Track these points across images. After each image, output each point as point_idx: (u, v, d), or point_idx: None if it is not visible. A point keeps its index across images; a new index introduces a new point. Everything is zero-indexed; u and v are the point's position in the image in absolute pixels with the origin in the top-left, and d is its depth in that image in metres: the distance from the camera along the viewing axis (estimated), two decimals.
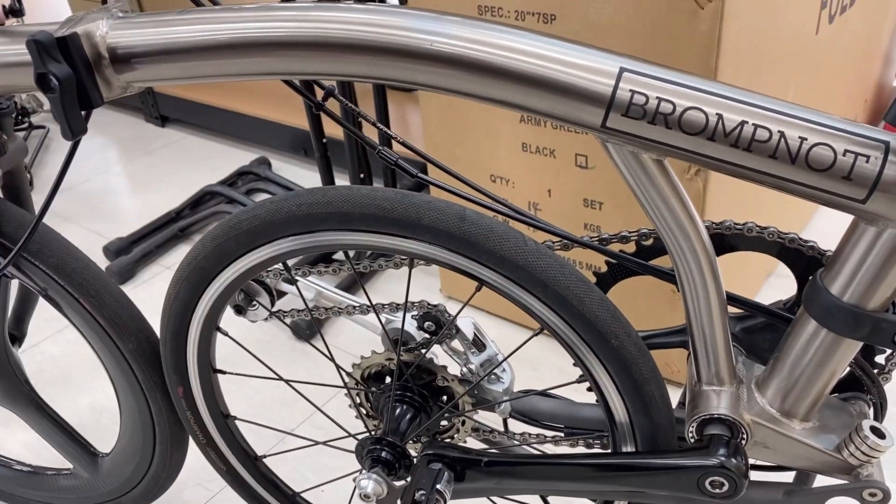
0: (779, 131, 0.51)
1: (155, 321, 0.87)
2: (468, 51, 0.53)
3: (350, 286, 1.70)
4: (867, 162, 0.50)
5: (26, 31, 0.65)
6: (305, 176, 2.27)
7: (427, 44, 0.53)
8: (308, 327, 1.58)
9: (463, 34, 0.53)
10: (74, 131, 0.62)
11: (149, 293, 1.82)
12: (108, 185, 2.38)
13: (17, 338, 1.08)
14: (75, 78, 0.60)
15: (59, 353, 1.65)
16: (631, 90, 0.52)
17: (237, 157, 2.44)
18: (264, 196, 2.17)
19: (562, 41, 0.53)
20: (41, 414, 1.05)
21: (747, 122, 0.51)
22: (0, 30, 0.67)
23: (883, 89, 2.11)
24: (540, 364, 1.45)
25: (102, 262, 1.92)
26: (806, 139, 0.51)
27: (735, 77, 1.07)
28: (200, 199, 2.12)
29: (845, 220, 0.55)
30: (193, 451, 1.00)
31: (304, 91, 0.73)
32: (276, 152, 2.43)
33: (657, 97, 0.52)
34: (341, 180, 1.96)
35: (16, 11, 0.95)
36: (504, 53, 0.52)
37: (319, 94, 0.74)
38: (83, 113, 0.62)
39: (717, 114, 0.51)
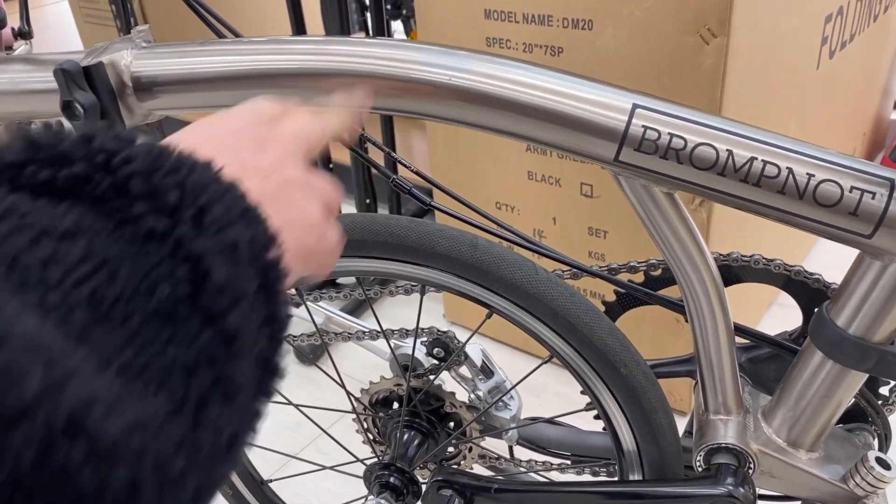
0: (787, 167, 0.52)
1: None
2: (487, 86, 0.54)
3: (354, 310, 1.71)
4: (873, 198, 0.51)
5: (52, 59, 0.66)
6: None
7: (446, 78, 0.55)
8: (311, 351, 1.59)
9: (482, 70, 0.54)
10: None
11: None
12: None
13: None
14: (100, 106, 0.62)
15: None
16: (643, 126, 0.53)
17: None
18: None
19: (576, 77, 0.55)
20: None
21: (756, 158, 0.52)
22: (26, 57, 0.69)
23: (881, 122, 2.13)
24: (543, 391, 1.45)
25: None
26: (813, 175, 0.52)
27: (739, 111, 1.09)
28: None
29: (845, 249, 0.56)
30: None
31: None
32: None
33: (669, 133, 0.53)
34: (347, 205, 1.98)
35: (24, 34, 0.97)
36: (521, 89, 0.54)
37: None
38: None
39: (727, 150, 0.53)
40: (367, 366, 1.57)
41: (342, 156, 1.83)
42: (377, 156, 2.03)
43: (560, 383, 1.45)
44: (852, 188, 0.52)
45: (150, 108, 0.64)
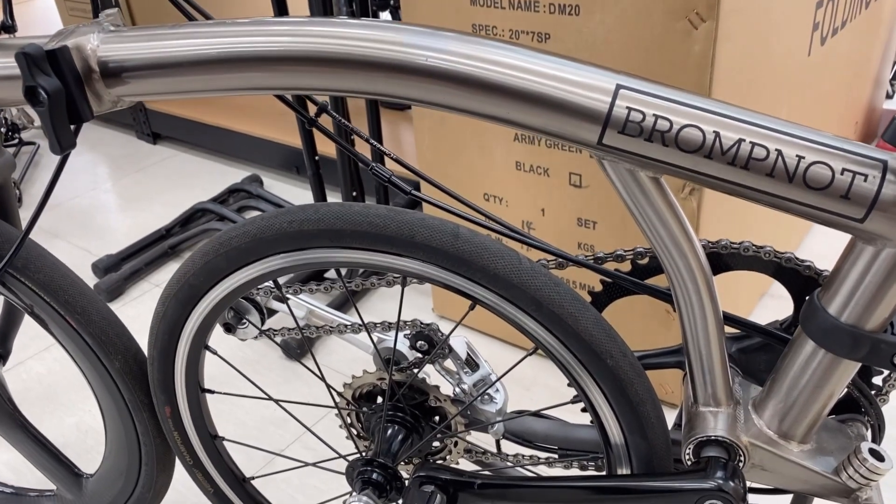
0: (776, 149, 0.50)
1: (144, 339, 0.86)
2: (464, 66, 0.52)
3: (342, 304, 1.69)
4: (865, 181, 0.50)
5: (16, 44, 0.64)
6: (297, 193, 2.26)
7: (422, 59, 0.53)
8: (298, 346, 1.57)
9: (459, 50, 0.52)
10: (63, 145, 0.61)
11: (137, 311, 1.81)
12: (98, 202, 2.37)
13: (2, 356, 1.06)
14: (65, 91, 0.59)
15: (44, 371, 1.62)
16: (628, 107, 0.51)
17: (229, 175, 2.43)
18: (256, 213, 2.16)
19: (558, 57, 0.53)
20: (25, 434, 1.03)
21: (744, 140, 0.51)
22: None
23: (873, 111, 2.12)
24: (533, 384, 1.44)
25: (91, 280, 1.90)
26: (803, 157, 0.50)
27: (728, 97, 1.07)
28: (191, 217, 2.10)
29: (839, 237, 0.54)
30: (180, 472, 0.98)
31: (296, 106, 0.72)
32: (267, 170, 2.42)
33: (654, 114, 0.51)
34: (334, 198, 1.95)
35: (8, 28, 0.95)
36: (500, 69, 0.52)
37: (312, 109, 0.74)
38: (72, 127, 0.61)
39: (714, 131, 0.51)
40: (355, 360, 1.55)
41: (328, 148, 1.80)
42: (364, 148, 2.01)
43: (550, 375, 1.43)
44: (844, 170, 0.50)
45: (119, 95, 0.62)
